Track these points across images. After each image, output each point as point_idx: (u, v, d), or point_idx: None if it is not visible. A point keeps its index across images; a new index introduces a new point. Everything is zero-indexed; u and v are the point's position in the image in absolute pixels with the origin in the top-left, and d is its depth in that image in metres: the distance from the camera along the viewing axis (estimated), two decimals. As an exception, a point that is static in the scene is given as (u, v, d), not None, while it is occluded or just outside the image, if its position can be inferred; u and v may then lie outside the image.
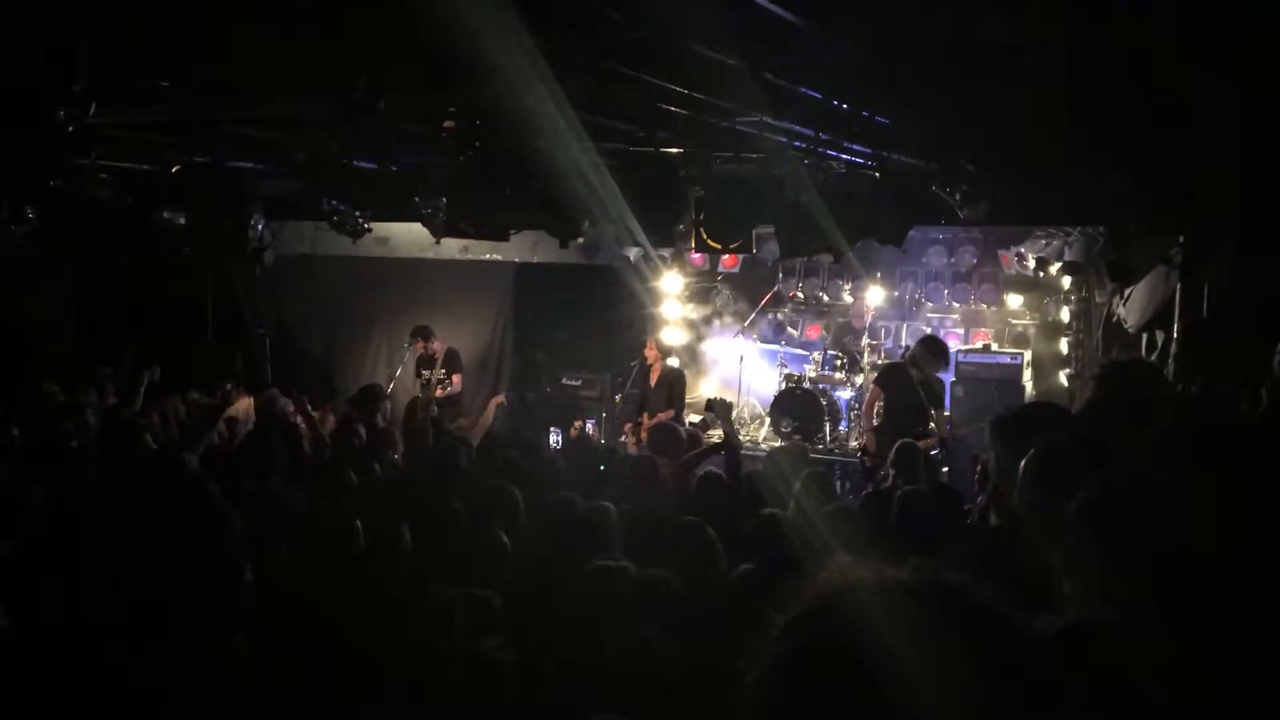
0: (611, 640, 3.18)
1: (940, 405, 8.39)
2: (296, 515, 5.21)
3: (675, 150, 7.56)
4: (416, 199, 8.51)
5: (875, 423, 8.41)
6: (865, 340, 10.69)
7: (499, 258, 11.22)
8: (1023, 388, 10.09)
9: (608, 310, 11.46)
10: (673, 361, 10.25)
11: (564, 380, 11.12)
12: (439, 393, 9.82)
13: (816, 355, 10.92)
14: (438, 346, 10.08)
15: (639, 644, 3.16)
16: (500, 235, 8.94)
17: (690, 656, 3.16)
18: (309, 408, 7.30)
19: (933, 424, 8.08)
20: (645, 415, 9.50)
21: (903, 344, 10.96)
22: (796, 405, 10.20)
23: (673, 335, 10.91)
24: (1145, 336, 8.28)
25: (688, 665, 3.11)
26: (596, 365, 11.15)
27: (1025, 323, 11.26)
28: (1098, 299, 9.79)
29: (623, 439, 9.78)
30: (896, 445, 6.63)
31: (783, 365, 10.93)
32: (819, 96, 5.93)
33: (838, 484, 8.88)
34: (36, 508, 4.98)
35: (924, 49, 4.98)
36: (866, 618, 0.97)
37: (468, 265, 11.25)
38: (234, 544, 4.24)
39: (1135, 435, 2.73)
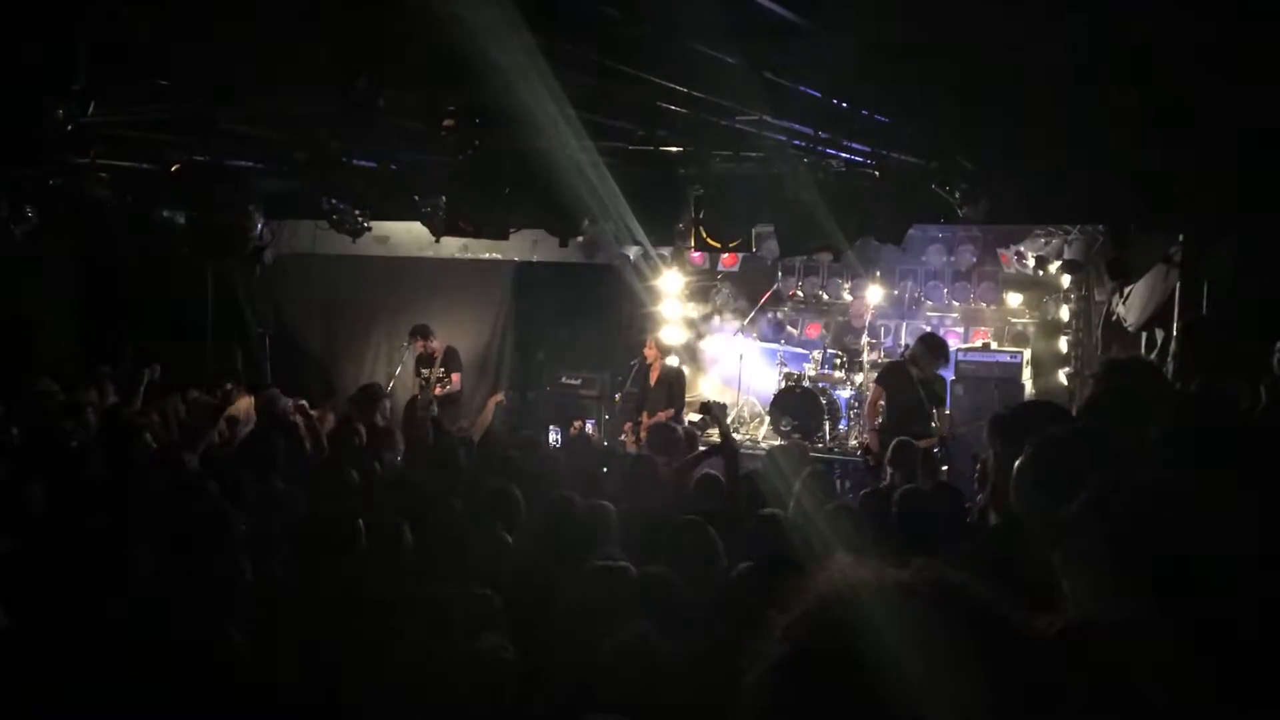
0: (611, 639, 3.18)
1: (942, 404, 8.39)
2: (297, 514, 5.21)
3: (675, 149, 7.56)
4: (416, 198, 8.52)
5: (878, 422, 8.40)
6: (865, 339, 10.69)
7: (498, 256, 11.21)
8: (1022, 386, 10.09)
9: (607, 309, 11.46)
10: (672, 360, 10.25)
11: (563, 379, 11.11)
12: (438, 391, 9.83)
13: (816, 354, 10.91)
14: (437, 345, 10.08)
15: (638, 643, 3.16)
16: (500, 234, 8.93)
17: (690, 656, 3.16)
18: (308, 408, 7.31)
19: (935, 423, 8.08)
20: (645, 414, 9.49)
21: (902, 343, 10.98)
22: (796, 404, 10.20)
23: (672, 334, 10.90)
24: (1145, 335, 8.29)
25: (687, 665, 3.11)
26: (596, 364, 11.14)
27: (1025, 321, 11.27)
28: (1097, 297, 9.80)
29: (622, 438, 9.78)
30: (893, 444, 6.63)
31: (782, 364, 10.93)
32: (819, 95, 5.93)
33: (837, 483, 8.88)
34: (36, 507, 4.99)
35: (924, 49, 4.98)
36: (867, 618, 0.97)
37: (467, 264, 11.24)
38: (234, 544, 4.25)
39: (1135, 434, 2.72)
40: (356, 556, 4.16)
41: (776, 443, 9.39)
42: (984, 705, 0.92)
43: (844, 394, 10.49)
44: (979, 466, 4.76)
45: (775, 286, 11.79)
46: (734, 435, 7.93)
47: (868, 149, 7.11)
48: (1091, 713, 1.31)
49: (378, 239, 10.15)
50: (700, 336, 11.60)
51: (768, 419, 10.53)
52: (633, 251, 10.64)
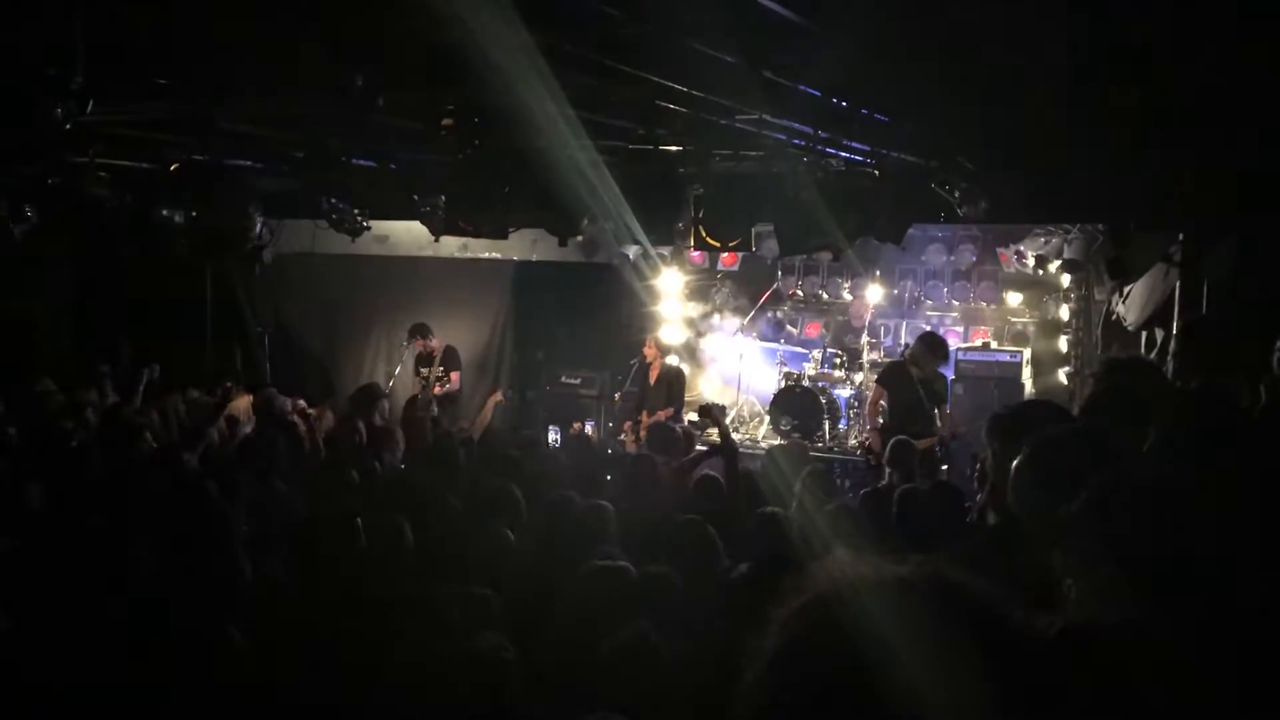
0: (611, 639, 3.18)
1: (944, 403, 8.38)
2: (297, 514, 5.21)
3: (674, 148, 7.55)
4: (415, 197, 8.51)
5: (880, 422, 8.40)
6: (865, 338, 10.70)
7: (498, 256, 11.20)
8: (1022, 386, 10.09)
9: (607, 308, 11.45)
10: (672, 360, 10.25)
11: (563, 378, 11.11)
12: (438, 390, 9.82)
13: (816, 353, 10.91)
14: (436, 344, 10.08)
15: (638, 643, 3.15)
16: (499, 233, 8.93)
17: (690, 655, 3.16)
18: (306, 408, 7.31)
19: (938, 422, 8.07)
20: (644, 413, 9.50)
21: (902, 342, 10.97)
22: (796, 403, 10.20)
23: (672, 333, 10.90)
24: (1145, 334, 8.29)
25: (687, 664, 3.11)
26: (596, 363, 11.13)
27: (1024, 321, 11.26)
28: (1097, 297, 9.79)
29: (621, 437, 9.78)
30: (890, 443, 6.63)
31: (782, 363, 10.93)
32: (818, 94, 5.92)
33: (838, 482, 8.88)
34: (36, 506, 4.99)
35: (924, 49, 4.97)
36: (866, 615, 0.97)
37: (467, 263, 11.23)
38: (234, 544, 4.25)
39: (1134, 434, 2.72)
40: (356, 556, 4.15)
41: (776, 442, 9.39)
42: (984, 704, 0.92)
43: (844, 393, 10.49)
44: (978, 466, 4.76)
45: (775, 286, 11.78)
46: (734, 435, 7.92)
47: (867, 148, 7.11)
48: (1092, 713, 1.31)
49: (377, 238, 10.14)
50: (700, 336, 11.60)
51: (767, 418, 10.53)
52: (632, 251, 10.63)
